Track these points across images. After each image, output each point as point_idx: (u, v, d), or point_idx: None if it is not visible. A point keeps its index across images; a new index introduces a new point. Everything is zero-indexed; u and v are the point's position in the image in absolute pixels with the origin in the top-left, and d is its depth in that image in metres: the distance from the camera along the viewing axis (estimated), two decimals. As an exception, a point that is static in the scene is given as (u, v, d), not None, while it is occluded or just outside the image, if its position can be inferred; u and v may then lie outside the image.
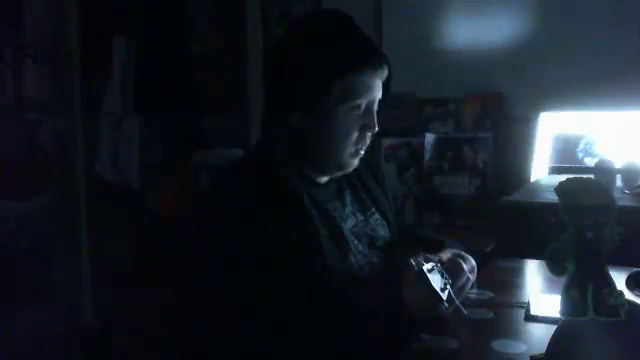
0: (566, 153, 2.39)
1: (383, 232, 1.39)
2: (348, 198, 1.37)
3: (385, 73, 1.27)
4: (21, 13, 2.95)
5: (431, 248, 1.27)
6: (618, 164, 2.06)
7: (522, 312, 1.22)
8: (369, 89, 1.24)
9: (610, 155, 2.14)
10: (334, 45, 1.24)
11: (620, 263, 1.09)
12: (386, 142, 2.65)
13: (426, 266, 1.11)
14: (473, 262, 1.26)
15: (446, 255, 1.23)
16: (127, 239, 3.15)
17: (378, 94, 1.27)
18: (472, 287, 1.25)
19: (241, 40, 3.08)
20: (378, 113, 1.28)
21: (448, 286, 1.12)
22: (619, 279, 1.10)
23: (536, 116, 2.47)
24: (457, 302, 1.13)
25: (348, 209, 1.35)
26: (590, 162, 2.28)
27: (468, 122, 2.63)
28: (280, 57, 1.32)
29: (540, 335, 1.08)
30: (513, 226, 1.90)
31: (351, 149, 1.28)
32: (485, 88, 2.59)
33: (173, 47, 3.22)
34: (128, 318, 3.03)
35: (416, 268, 1.11)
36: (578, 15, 2.45)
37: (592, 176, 1.75)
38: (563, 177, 0.98)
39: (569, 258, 0.93)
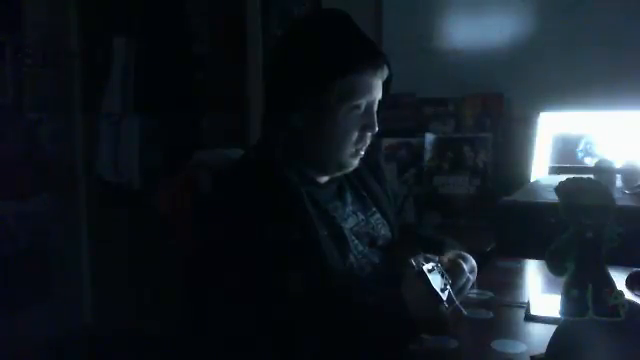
0: (566, 153, 2.38)
1: (384, 232, 1.39)
2: (349, 198, 1.37)
3: (385, 73, 1.28)
4: (21, 13, 2.95)
5: (431, 248, 1.27)
6: (618, 164, 2.06)
7: (522, 312, 1.22)
8: (369, 89, 1.24)
9: (610, 155, 2.14)
10: (334, 45, 1.24)
11: (620, 263, 1.09)
12: (386, 142, 2.65)
13: (426, 266, 1.11)
14: (473, 262, 1.26)
15: (446, 255, 1.23)
16: (127, 239, 3.16)
17: (378, 94, 1.27)
18: (472, 287, 1.25)
19: (241, 40, 3.08)
20: (378, 113, 1.28)
21: (448, 286, 1.12)
22: (619, 279, 1.10)
23: (536, 116, 2.47)
24: (457, 302, 1.13)
25: (349, 209, 1.35)
26: (590, 162, 2.28)
27: (468, 122, 2.63)
28: (280, 57, 1.32)
29: (540, 335, 1.08)
30: (513, 226, 1.90)
31: (351, 149, 1.28)
32: (485, 88, 2.59)
33: (173, 47, 3.22)
34: (128, 319, 3.03)
35: (416, 268, 1.11)
36: (578, 15, 2.45)
37: (592, 176, 1.74)
38: (563, 177, 0.98)
39: (569, 258, 0.93)
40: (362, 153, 1.31)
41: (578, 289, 0.91)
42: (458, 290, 1.16)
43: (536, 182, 2.30)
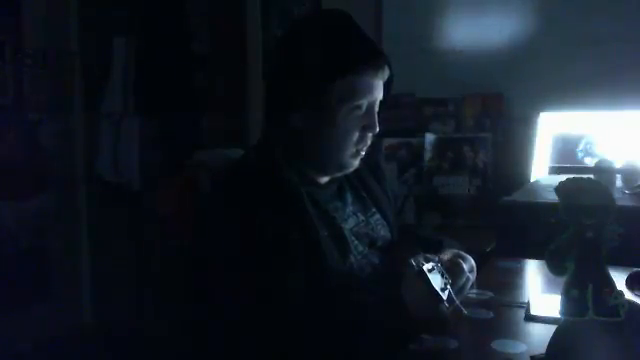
0: (566, 153, 2.39)
1: (383, 232, 1.39)
2: (349, 198, 1.37)
3: (386, 74, 1.27)
4: (21, 13, 2.95)
5: (431, 248, 1.27)
6: (618, 164, 2.06)
7: (522, 312, 1.22)
8: (370, 90, 1.24)
9: (610, 155, 2.15)
10: (335, 45, 1.24)
11: (620, 263, 1.09)
12: (386, 142, 2.65)
13: (426, 266, 1.11)
14: (473, 262, 1.26)
15: (446, 255, 1.23)
16: (127, 239, 3.16)
17: (379, 95, 1.27)
18: (472, 287, 1.25)
19: (241, 40, 3.08)
20: (378, 114, 1.28)
21: (448, 286, 1.11)
22: (619, 279, 1.10)
23: (536, 116, 2.47)
24: (457, 302, 1.13)
25: (349, 209, 1.35)
26: (590, 162, 2.28)
27: (468, 122, 2.63)
28: (280, 57, 1.32)
29: (540, 335, 1.08)
30: (513, 226, 1.90)
31: (352, 149, 1.28)
32: (485, 88, 2.59)
33: (173, 47, 3.22)
34: (128, 318, 3.03)
35: (416, 268, 1.11)
36: (578, 15, 2.45)
37: (592, 176, 1.75)
38: (563, 177, 0.98)
39: (569, 258, 0.93)
40: (362, 154, 1.31)
41: (578, 289, 0.91)
42: (458, 290, 1.16)
43: (536, 182, 2.30)
